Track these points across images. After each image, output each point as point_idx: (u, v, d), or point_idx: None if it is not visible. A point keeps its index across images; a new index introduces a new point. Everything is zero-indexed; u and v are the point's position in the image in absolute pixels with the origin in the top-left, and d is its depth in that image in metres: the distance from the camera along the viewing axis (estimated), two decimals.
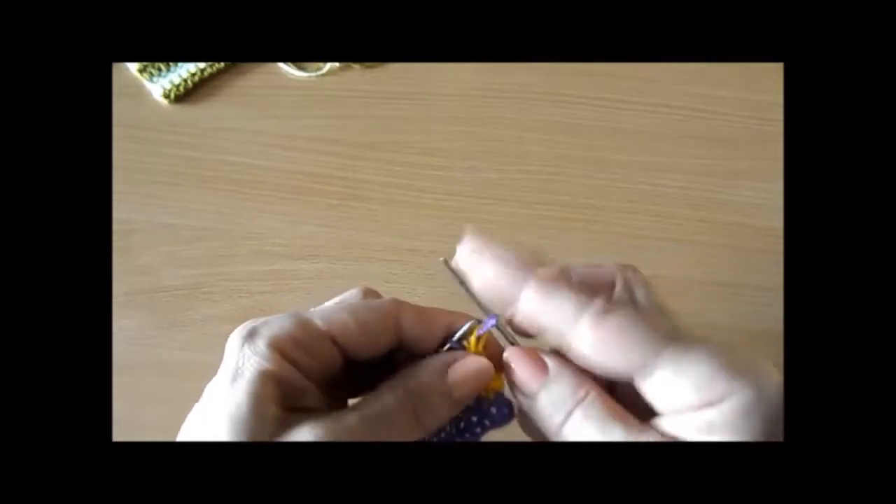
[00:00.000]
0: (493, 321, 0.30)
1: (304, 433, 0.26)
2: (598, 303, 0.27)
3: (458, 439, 0.31)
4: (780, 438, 0.25)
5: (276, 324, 0.28)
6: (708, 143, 0.61)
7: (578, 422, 0.27)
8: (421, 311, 0.30)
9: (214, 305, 0.52)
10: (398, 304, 0.30)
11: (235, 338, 0.28)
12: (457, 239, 0.29)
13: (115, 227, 0.54)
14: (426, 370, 0.29)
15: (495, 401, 0.31)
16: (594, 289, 0.30)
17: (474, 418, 0.30)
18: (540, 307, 0.28)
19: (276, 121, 0.61)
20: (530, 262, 0.28)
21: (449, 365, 0.29)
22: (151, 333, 0.51)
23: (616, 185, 0.59)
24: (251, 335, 0.28)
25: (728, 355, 0.26)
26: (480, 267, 0.29)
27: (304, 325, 0.28)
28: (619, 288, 0.31)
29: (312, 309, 0.30)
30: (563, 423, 0.28)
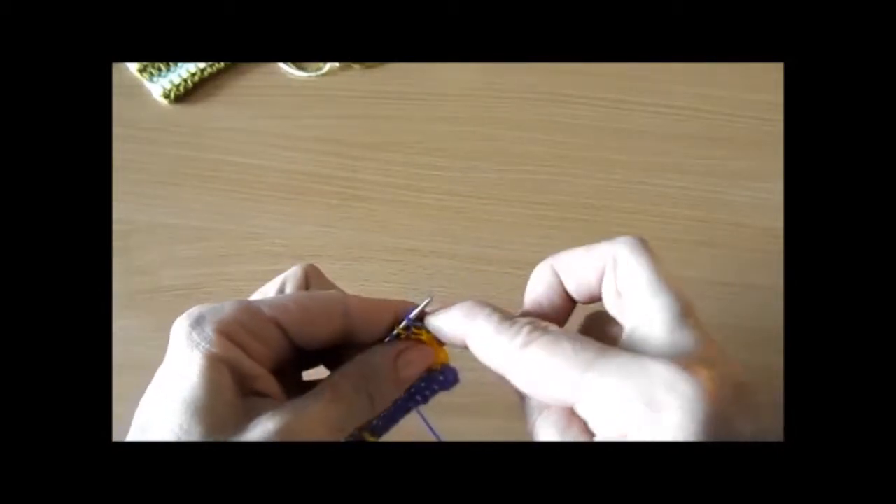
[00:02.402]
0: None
1: (267, 422, 0.26)
2: (521, 336, 0.28)
3: (410, 404, 0.33)
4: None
5: (221, 309, 0.29)
6: (708, 143, 0.61)
7: (537, 429, 0.28)
8: (366, 301, 0.31)
9: None
10: (343, 295, 0.31)
11: (182, 324, 0.28)
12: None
13: (115, 227, 0.54)
14: (379, 356, 0.31)
15: (443, 370, 0.33)
16: (584, 284, 0.31)
17: (423, 384, 0.33)
18: (478, 354, 0.29)
19: (276, 121, 0.61)
20: (468, 314, 0.30)
21: (399, 353, 0.31)
22: (151, 333, 0.51)
23: (616, 185, 0.59)
24: (198, 321, 0.28)
25: (633, 387, 0.24)
26: (440, 331, 0.31)
27: (249, 310, 0.29)
28: (608, 276, 0.30)
29: (258, 297, 0.32)
30: (530, 428, 0.29)
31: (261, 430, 0.26)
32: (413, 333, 0.32)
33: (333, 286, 0.35)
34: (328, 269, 0.35)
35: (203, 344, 0.27)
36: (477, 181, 0.58)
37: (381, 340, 0.32)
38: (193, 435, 0.26)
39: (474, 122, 0.61)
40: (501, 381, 0.31)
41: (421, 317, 0.32)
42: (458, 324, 0.30)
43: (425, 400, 0.33)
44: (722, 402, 0.23)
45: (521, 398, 0.30)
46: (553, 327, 0.28)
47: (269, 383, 0.29)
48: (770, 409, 0.26)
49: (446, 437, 0.34)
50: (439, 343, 0.32)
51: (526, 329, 0.28)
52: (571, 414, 0.27)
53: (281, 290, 0.33)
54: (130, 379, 0.43)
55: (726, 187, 0.59)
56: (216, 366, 0.27)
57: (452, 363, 0.33)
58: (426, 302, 0.32)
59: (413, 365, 0.31)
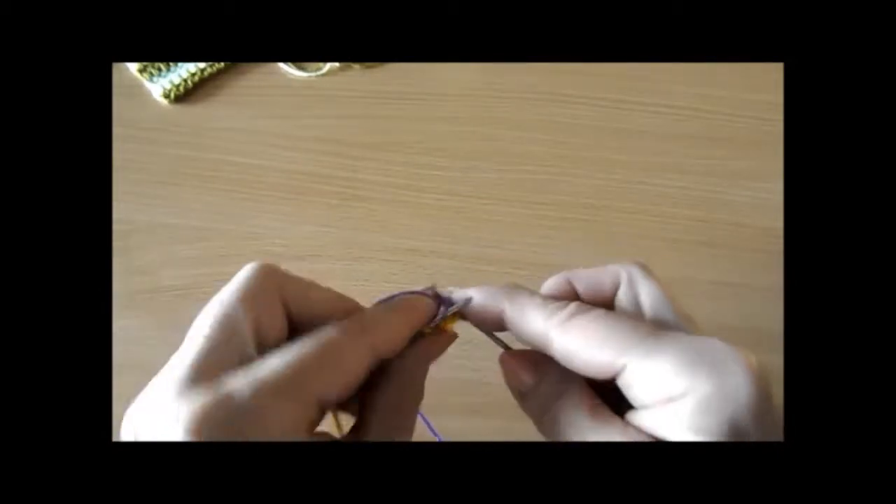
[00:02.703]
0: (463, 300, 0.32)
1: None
2: (569, 308, 0.29)
3: None
4: (753, 436, 0.25)
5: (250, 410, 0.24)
6: (708, 143, 0.61)
7: (556, 413, 0.29)
8: (390, 334, 0.29)
9: None
10: (366, 340, 0.28)
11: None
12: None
13: (115, 227, 0.54)
14: (417, 377, 0.31)
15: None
16: (597, 292, 0.31)
17: None
18: (519, 324, 0.30)
19: (276, 121, 0.61)
20: (508, 291, 0.31)
21: (430, 355, 0.32)
22: (151, 333, 0.51)
23: (616, 185, 0.59)
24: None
25: (697, 351, 0.26)
26: (471, 306, 0.31)
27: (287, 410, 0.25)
28: (623, 287, 0.31)
29: (220, 329, 0.27)
30: (543, 416, 0.29)
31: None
32: (437, 326, 0.32)
33: (305, 283, 0.30)
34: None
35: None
36: (477, 181, 0.58)
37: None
38: None
39: (474, 122, 0.61)
40: (507, 368, 0.31)
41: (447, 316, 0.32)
42: (494, 299, 0.31)
43: None
44: (767, 386, 0.25)
45: (522, 395, 0.31)
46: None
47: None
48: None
49: (446, 437, 0.34)
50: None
51: (574, 304, 0.29)
52: (593, 395, 0.29)
53: (254, 319, 0.28)
54: (130, 379, 0.43)
55: (726, 187, 0.59)
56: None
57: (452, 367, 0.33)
58: (466, 299, 0.31)
59: (437, 356, 0.32)
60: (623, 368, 0.27)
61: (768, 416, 0.25)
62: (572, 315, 0.29)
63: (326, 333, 0.27)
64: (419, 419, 0.33)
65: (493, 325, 0.31)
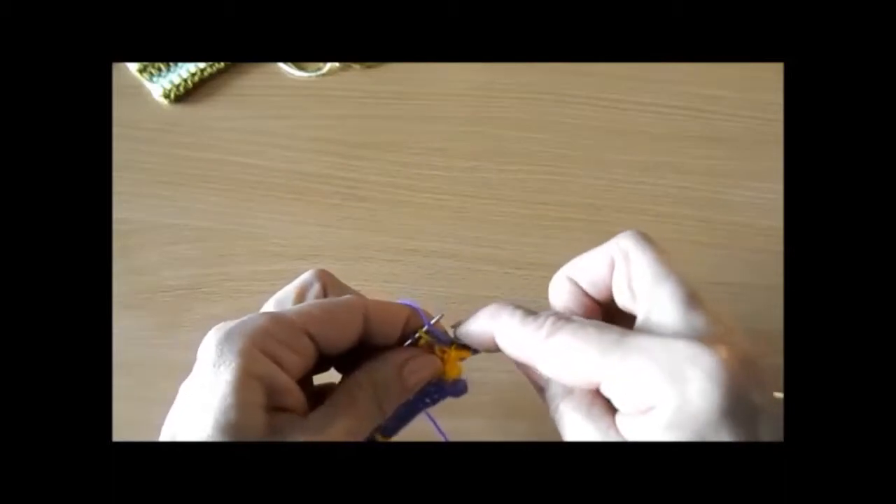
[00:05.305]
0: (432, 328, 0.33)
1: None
2: (546, 325, 0.29)
3: (419, 406, 0.34)
4: (731, 434, 0.25)
5: (251, 322, 0.28)
6: (708, 143, 0.61)
7: (562, 411, 0.29)
8: (383, 305, 0.32)
9: (214, 305, 0.52)
10: (363, 299, 0.32)
11: (211, 339, 0.28)
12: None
13: (115, 227, 0.54)
14: (389, 366, 0.31)
15: (454, 381, 0.34)
16: (598, 283, 0.32)
17: (432, 388, 0.34)
18: (505, 348, 0.31)
19: (276, 121, 0.61)
20: (492, 313, 0.31)
21: (406, 361, 0.32)
22: (151, 333, 0.51)
23: (616, 185, 0.59)
24: (228, 335, 0.27)
25: (658, 362, 0.25)
26: (469, 334, 0.32)
27: (278, 320, 0.29)
28: (617, 270, 0.31)
29: (273, 305, 0.32)
30: (555, 412, 0.30)
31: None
32: (438, 350, 0.33)
33: (349, 289, 0.35)
34: (328, 269, 0.35)
35: (236, 359, 0.27)
36: (477, 181, 0.58)
37: (397, 344, 0.33)
38: None
39: (474, 122, 0.61)
40: (523, 368, 0.32)
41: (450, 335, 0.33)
42: (484, 324, 0.31)
43: (434, 402, 0.34)
44: (739, 374, 0.25)
45: (541, 389, 0.31)
46: (576, 317, 0.29)
47: (297, 397, 0.28)
48: (773, 385, 0.27)
49: (451, 436, 0.34)
50: (463, 348, 0.33)
51: (551, 320, 0.29)
52: (594, 395, 0.29)
53: (300, 299, 0.33)
54: (130, 379, 0.43)
55: (726, 187, 0.59)
56: (249, 383, 0.26)
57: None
58: (428, 325, 0.33)
59: (418, 373, 0.32)
60: (601, 379, 0.27)
61: (747, 402, 0.25)
62: (549, 335, 0.29)
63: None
64: (427, 420, 0.34)
65: (491, 349, 0.32)
